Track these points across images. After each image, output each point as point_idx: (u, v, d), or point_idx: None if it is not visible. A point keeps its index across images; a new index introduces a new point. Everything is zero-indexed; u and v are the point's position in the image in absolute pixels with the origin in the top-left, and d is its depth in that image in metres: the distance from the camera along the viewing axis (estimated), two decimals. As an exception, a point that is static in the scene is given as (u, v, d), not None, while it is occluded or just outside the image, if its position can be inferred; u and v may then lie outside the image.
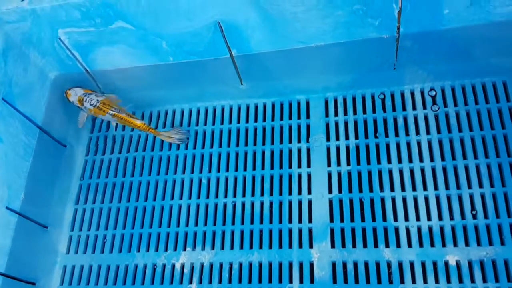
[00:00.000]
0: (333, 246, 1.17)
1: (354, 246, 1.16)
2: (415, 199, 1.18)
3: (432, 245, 1.12)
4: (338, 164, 1.25)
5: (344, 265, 1.15)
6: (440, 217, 1.14)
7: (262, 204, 1.25)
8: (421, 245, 1.13)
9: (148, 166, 1.37)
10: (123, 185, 1.36)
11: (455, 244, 1.11)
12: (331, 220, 1.20)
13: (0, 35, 1.15)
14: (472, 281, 1.08)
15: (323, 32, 1.12)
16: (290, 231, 1.21)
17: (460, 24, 1.08)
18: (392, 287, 1.10)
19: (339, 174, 1.24)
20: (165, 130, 1.34)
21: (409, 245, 1.13)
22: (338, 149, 1.27)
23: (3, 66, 1.14)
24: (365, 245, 1.15)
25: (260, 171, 1.29)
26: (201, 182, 1.32)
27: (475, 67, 1.22)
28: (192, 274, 1.22)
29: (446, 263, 1.10)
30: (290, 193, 1.25)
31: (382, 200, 1.19)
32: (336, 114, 1.32)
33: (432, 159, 1.20)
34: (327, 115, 1.32)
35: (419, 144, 1.23)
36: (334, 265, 1.15)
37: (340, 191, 1.22)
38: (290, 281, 1.16)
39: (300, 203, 1.23)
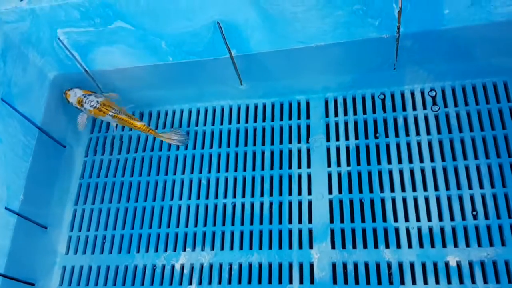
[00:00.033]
0: (333, 246, 1.17)
1: (354, 246, 1.15)
2: (415, 200, 1.17)
3: (433, 245, 1.12)
4: (338, 164, 1.25)
5: (344, 266, 1.14)
6: (441, 218, 1.14)
7: (262, 204, 1.25)
8: (421, 245, 1.12)
9: (147, 167, 1.36)
10: (122, 186, 1.35)
11: (455, 245, 1.11)
12: (331, 220, 1.19)
13: (-1, 35, 1.15)
14: (473, 282, 1.07)
15: (323, 32, 1.12)
16: (290, 231, 1.20)
17: (461, 24, 1.08)
18: (392, 288, 1.10)
19: (339, 175, 1.24)
20: (165, 132, 1.33)
21: (410, 245, 1.13)
22: (338, 149, 1.27)
23: (2, 66, 1.14)
24: (365, 246, 1.15)
25: (260, 172, 1.29)
26: (200, 183, 1.31)
27: (475, 67, 1.22)
28: (191, 275, 1.22)
29: (447, 264, 1.10)
30: (290, 193, 1.25)
31: (382, 201, 1.18)
32: (336, 115, 1.31)
33: (432, 160, 1.20)
34: (327, 115, 1.32)
35: (419, 144, 1.23)
36: (334, 265, 1.15)
37: (340, 191, 1.22)
38: (290, 282, 1.16)
39: (300, 203, 1.23)
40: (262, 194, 1.26)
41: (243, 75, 1.30)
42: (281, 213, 1.23)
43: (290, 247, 1.19)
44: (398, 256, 1.12)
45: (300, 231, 1.20)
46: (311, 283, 1.14)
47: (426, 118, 1.25)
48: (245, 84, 1.33)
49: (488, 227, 1.11)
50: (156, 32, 1.15)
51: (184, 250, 1.24)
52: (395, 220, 1.16)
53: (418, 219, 1.15)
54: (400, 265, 1.12)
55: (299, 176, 1.26)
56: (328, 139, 1.29)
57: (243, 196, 1.27)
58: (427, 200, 1.16)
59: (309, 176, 1.25)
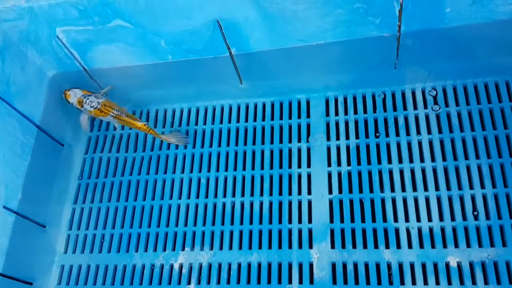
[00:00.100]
0: (333, 246, 1.16)
1: (354, 246, 1.15)
2: (416, 200, 1.16)
3: (433, 246, 1.11)
4: (339, 164, 1.24)
5: (344, 266, 1.14)
6: (441, 218, 1.13)
7: (261, 204, 1.24)
8: (421, 246, 1.12)
9: (146, 165, 1.36)
10: (121, 185, 1.35)
11: (456, 245, 1.10)
12: (331, 220, 1.19)
13: (-2, 33, 1.15)
14: (474, 282, 1.07)
15: (323, 31, 1.11)
16: (290, 231, 1.20)
17: (462, 22, 1.07)
18: (392, 288, 1.10)
19: (339, 174, 1.23)
20: (166, 133, 1.33)
21: (410, 246, 1.12)
22: (338, 148, 1.26)
23: (1, 65, 1.14)
24: (365, 246, 1.14)
25: (259, 171, 1.28)
26: (200, 182, 1.31)
27: (477, 66, 1.21)
28: (190, 275, 1.21)
29: (447, 265, 1.09)
30: (290, 193, 1.24)
31: (383, 201, 1.18)
32: (336, 114, 1.31)
33: (433, 159, 1.19)
34: (327, 114, 1.31)
35: (420, 144, 1.22)
36: (334, 265, 1.14)
37: (340, 191, 1.21)
38: (290, 282, 1.15)
39: (300, 203, 1.22)
40: (261, 194, 1.26)
41: (243, 74, 1.29)
42: (281, 213, 1.22)
43: (290, 247, 1.18)
44: (398, 256, 1.12)
45: (299, 231, 1.20)
46: (310, 283, 1.14)
47: (427, 117, 1.24)
48: (245, 83, 1.32)
49: (489, 227, 1.10)
50: (155, 31, 1.14)
51: (183, 249, 1.24)
52: (395, 220, 1.15)
53: (418, 219, 1.14)
54: (400, 266, 1.11)
55: (299, 176, 1.26)
56: (328, 139, 1.28)
57: (243, 195, 1.27)
58: (427, 200, 1.16)
59: (309, 176, 1.25)
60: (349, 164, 1.24)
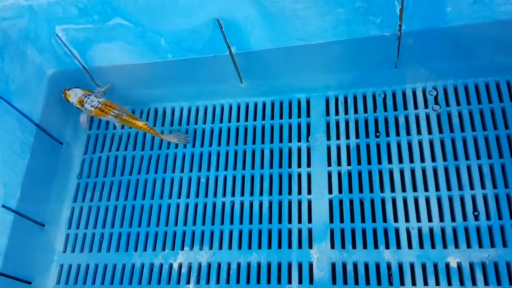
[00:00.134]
0: (332, 246, 1.16)
1: (354, 247, 1.14)
2: (416, 200, 1.16)
3: (433, 246, 1.11)
4: (339, 163, 1.24)
5: (344, 266, 1.14)
6: (441, 218, 1.13)
7: (261, 203, 1.24)
8: (421, 246, 1.11)
9: (146, 164, 1.35)
10: (120, 184, 1.35)
11: (456, 246, 1.10)
12: (331, 220, 1.18)
13: (-3, 31, 1.14)
14: (474, 283, 1.06)
15: (323, 30, 1.11)
16: (290, 231, 1.20)
17: (463, 22, 1.06)
18: (392, 289, 1.09)
19: (339, 174, 1.23)
20: (165, 132, 1.33)
21: (410, 246, 1.12)
22: (338, 148, 1.26)
23: (0, 63, 1.13)
24: (365, 246, 1.14)
25: (259, 170, 1.28)
26: (199, 181, 1.31)
27: (478, 66, 1.20)
28: (189, 274, 1.21)
29: (447, 265, 1.09)
30: (289, 193, 1.24)
31: (383, 201, 1.17)
32: (336, 113, 1.30)
33: (433, 159, 1.19)
34: (327, 114, 1.31)
35: (420, 144, 1.21)
36: (333, 266, 1.14)
37: (340, 191, 1.21)
38: (289, 282, 1.15)
39: (299, 203, 1.22)
40: (261, 193, 1.25)
41: (243, 73, 1.29)
42: (281, 213, 1.22)
43: (290, 246, 1.18)
44: (398, 256, 1.11)
45: (299, 231, 1.19)
46: (310, 283, 1.14)
47: (427, 117, 1.24)
48: (245, 82, 1.32)
49: (490, 228, 1.10)
50: (155, 29, 1.14)
51: (182, 249, 1.24)
52: (395, 220, 1.15)
53: (418, 220, 1.14)
54: (400, 266, 1.11)
55: (299, 175, 1.25)
56: (328, 138, 1.27)
57: (242, 195, 1.26)
58: (427, 200, 1.15)
59: (309, 175, 1.24)
60: (349, 164, 1.23)
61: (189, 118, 1.39)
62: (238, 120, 1.36)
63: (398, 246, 1.12)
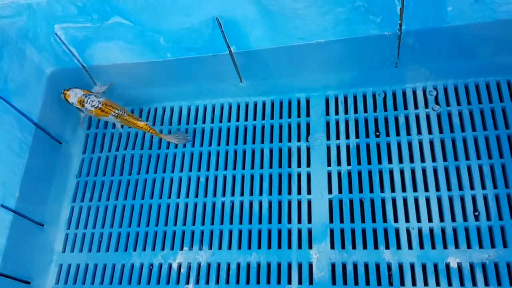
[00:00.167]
0: (332, 247, 1.15)
1: (353, 247, 1.14)
2: (416, 200, 1.16)
3: (433, 247, 1.10)
4: (338, 163, 1.23)
5: (344, 266, 1.13)
6: (442, 219, 1.13)
7: (260, 203, 1.24)
8: (422, 246, 1.11)
9: (145, 164, 1.35)
10: (120, 183, 1.34)
11: (456, 246, 1.10)
12: (331, 220, 1.18)
13: (-4, 30, 1.14)
14: (474, 284, 1.06)
15: (323, 29, 1.10)
16: (289, 231, 1.19)
17: (464, 21, 1.06)
18: (392, 289, 1.09)
19: (339, 174, 1.22)
20: (164, 132, 1.32)
21: (410, 246, 1.11)
22: (338, 148, 1.25)
23: (-1, 62, 1.13)
24: (365, 246, 1.14)
25: (259, 170, 1.27)
26: (199, 181, 1.30)
27: (478, 66, 1.20)
28: (189, 274, 1.20)
29: (447, 266, 1.08)
30: (289, 192, 1.23)
31: (383, 201, 1.17)
32: (336, 113, 1.30)
33: (434, 159, 1.19)
34: (327, 113, 1.30)
35: (420, 144, 1.21)
36: (333, 266, 1.14)
37: (340, 191, 1.20)
38: (289, 282, 1.14)
39: (299, 203, 1.22)
40: (261, 193, 1.25)
41: (243, 72, 1.28)
42: (280, 213, 1.22)
43: (289, 247, 1.18)
44: (398, 257, 1.11)
45: (299, 231, 1.19)
46: (310, 284, 1.13)
47: (427, 117, 1.24)
48: (245, 81, 1.32)
49: (490, 228, 1.10)
50: (154, 28, 1.14)
51: (182, 249, 1.23)
52: (396, 220, 1.14)
53: (418, 220, 1.13)
54: (400, 266, 1.10)
55: (299, 175, 1.25)
56: (328, 138, 1.27)
57: (242, 194, 1.26)
58: (428, 200, 1.15)
59: (308, 175, 1.24)
60: (349, 163, 1.23)
61: (189, 117, 1.39)
62: (237, 120, 1.36)
63: (398, 247, 1.12)
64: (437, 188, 1.16)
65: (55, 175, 1.33)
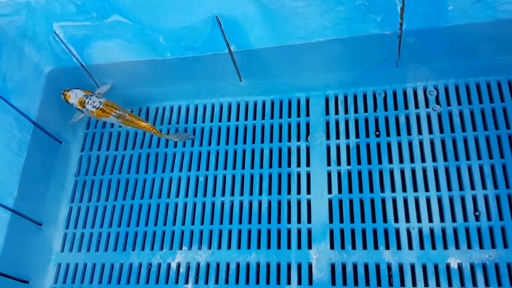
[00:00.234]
0: (332, 247, 1.15)
1: (353, 247, 1.13)
2: (417, 200, 1.15)
3: (434, 247, 1.10)
4: (338, 163, 1.23)
5: (343, 267, 1.13)
6: (442, 219, 1.12)
7: (260, 203, 1.23)
8: (422, 247, 1.10)
9: (144, 163, 1.34)
10: (119, 183, 1.34)
11: (457, 247, 1.09)
12: (331, 220, 1.17)
13: (-6, 28, 1.13)
14: (474, 284, 1.05)
15: (323, 28, 1.10)
16: (289, 231, 1.19)
17: (465, 21, 1.05)
18: (392, 289, 1.08)
19: (339, 174, 1.22)
20: (163, 131, 1.32)
21: (410, 247, 1.11)
22: (338, 148, 1.25)
23: (-3, 60, 1.13)
24: (364, 247, 1.13)
25: (258, 170, 1.27)
26: (198, 180, 1.30)
27: (479, 65, 1.19)
28: (188, 274, 1.20)
29: (448, 266, 1.08)
30: (289, 192, 1.23)
31: (383, 201, 1.16)
32: (336, 112, 1.29)
33: (434, 159, 1.18)
34: (327, 113, 1.30)
35: (421, 143, 1.21)
36: (333, 266, 1.13)
37: (340, 191, 1.20)
38: (288, 282, 1.14)
39: (299, 203, 1.21)
40: (260, 193, 1.24)
41: (243, 72, 1.28)
42: (280, 212, 1.21)
43: (289, 247, 1.17)
44: (398, 257, 1.10)
45: (299, 231, 1.18)
46: (309, 284, 1.13)
47: (428, 116, 1.23)
48: (244, 80, 1.31)
49: (491, 228, 1.09)
50: (154, 27, 1.13)
51: (181, 248, 1.23)
52: (396, 220, 1.14)
53: (419, 220, 1.13)
54: (400, 267, 1.10)
55: (298, 175, 1.24)
56: (328, 138, 1.27)
57: (241, 194, 1.25)
58: (428, 200, 1.14)
59: (308, 175, 1.24)
60: (349, 163, 1.22)
61: (188, 116, 1.38)
62: (237, 119, 1.35)
63: (399, 247, 1.11)
64: (438, 188, 1.15)
65: (53, 174, 1.33)
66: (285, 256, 1.16)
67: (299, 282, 1.13)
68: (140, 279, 1.22)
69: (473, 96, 1.22)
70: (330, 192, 1.20)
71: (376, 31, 1.10)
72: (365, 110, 1.27)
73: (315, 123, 1.29)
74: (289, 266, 1.15)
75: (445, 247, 1.09)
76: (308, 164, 1.25)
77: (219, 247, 1.21)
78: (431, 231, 1.11)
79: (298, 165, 1.26)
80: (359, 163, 1.22)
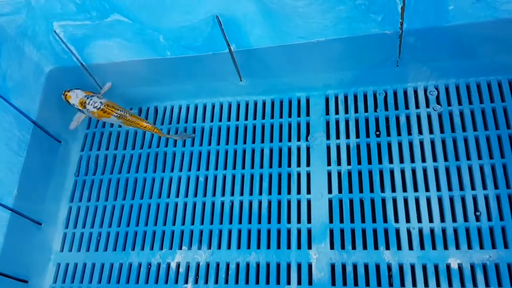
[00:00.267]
0: (332, 247, 1.15)
1: (353, 247, 1.13)
2: (417, 200, 1.15)
3: (434, 247, 1.09)
4: (338, 163, 1.22)
5: (343, 267, 1.12)
6: (442, 219, 1.12)
7: (260, 203, 1.23)
8: (422, 247, 1.10)
9: (144, 163, 1.34)
10: (118, 182, 1.33)
11: (457, 247, 1.09)
12: (331, 220, 1.17)
13: (-6, 27, 1.13)
14: (475, 285, 1.05)
15: (324, 28, 1.09)
16: (289, 231, 1.18)
17: (465, 20, 1.05)
18: (392, 290, 1.08)
19: (339, 174, 1.21)
20: (164, 131, 1.32)
21: (410, 247, 1.11)
22: (338, 148, 1.25)
23: (-3, 59, 1.13)
24: (365, 247, 1.13)
25: (258, 170, 1.27)
26: (198, 180, 1.29)
27: (480, 65, 1.19)
28: (187, 274, 1.20)
29: (448, 266, 1.08)
30: (289, 192, 1.23)
31: (383, 201, 1.16)
32: (336, 112, 1.29)
33: (434, 159, 1.18)
34: (327, 113, 1.29)
35: (421, 143, 1.20)
36: (333, 266, 1.13)
37: (340, 191, 1.19)
38: (288, 283, 1.13)
39: (299, 202, 1.21)
40: (260, 193, 1.24)
41: (243, 71, 1.27)
42: (280, 212, 1.21)
43: (289, 247, 1.17)
44: (398, 257, 1.10)
45: (298, 231, 1.18)
46: (309, 284, 1.12)
47: (429, 116, 1.23)
48: (244, 80, 1.31)
49: (491, 229, 1.09)
50: (154, 26, 1.13)
51: (180, 248, 1.22)
52: (396, 220, 1.14)
53: (419, 220, 1.13)
54: (401, 267, 1.10)
55: (298, 175, 1.24)
56: (328, 137, 1.26)
57: (241, 194, 1.25)
58: (428, 200, 1.14)
59: (308, 175, 1.23)
60: (349, 163, 1.22)
61: (188, 116, 1.38)
62: (237, 119, 1.35)
63: (399, 247, 1.11)
64: (438, 188, 1.15)
65: (53, 173, 1.33)
66: (285, 256, 1.16)
67: (299, 282, 1.13)
68: (139, 279, 1.21)
69: (473, 96, 1.22)
70: (330, 192, 1.20)
71: (377, 30, 1.09)
72: (366, 110, 1.27)
73: (315, 123, 1.29)
74: (288, 266, 1.15)
75: (446, 247, 1.09)
76: (308, 164, 1.25)
77: (219, 247, 1.21)
78: (432, 231, 1.11)
79: (298, 165, 1.25)
80: (359, 163, 1.21)
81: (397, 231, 1.13)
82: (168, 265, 1.21)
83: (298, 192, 1.22)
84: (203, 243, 1.22)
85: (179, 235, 1.24)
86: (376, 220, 1.14)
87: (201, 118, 1.37)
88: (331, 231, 1.16)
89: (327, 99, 1.31)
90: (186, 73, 1.28)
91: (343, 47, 1.15)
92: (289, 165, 1.26)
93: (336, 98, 1.31)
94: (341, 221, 1.16)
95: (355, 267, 1.12)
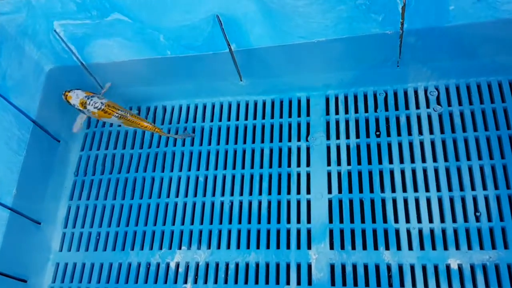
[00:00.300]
0: (331, 247, 1.14)
1: (353, 248, 1.13)
2: (417, 201, 1.15)
3: (434, 248, 1.09)
4: (338, 163, 1.22)
5: (343, 267, 1.12)
6: (442, 219, 1.12)
7: (260, 203, 1.23)
8: (422, 247, 1.10)
9: (144, 163, 1.34)
10: (118, 182, 1.33)
11: (457, 248, 1.09)
12: (330, 220, 1.17)
13: (-5, 26, 1.13)
14: (474, 285, 1.05)
15: (324, 27, 1.09)
16: (288, 231, 1.18)
17: (466, 21, 1.05)
18: (391, 290, 1.08)
19: (339, 174, 1.21)
20: (164, 131, 1.32)
21: (410, 247, 1.10)
22: (338, 148, 1.25)
23: (-3, 58, 1.13)
24: (364, 247, 1.13)
25: (258, 170, 1.26)
26: (198, 180, 1.29)
27: (480, 66, 1.19)
28: (187, 274, 1.19)
29: (448, 267, 1.07)
30: (288, 192, 1.22)
31: (383, 201, 1.16)
32: (337, 112, 1.29)
33: (435, 160, 1.18)
34: (327, 113, 1.29)
35: (421, 144, 1.20)
36: (332, 267, 1.13)
37: (340, 191, 1.19)
38: (288, 283, 1.13)
39: (299, 203, 1.21)
40: (260, 193, 1.24)
41: (243, 71, 1.27)
42: (280, 212, 1.21)
43: (288, 247, 1.17)
44: (398, 258, 1.10)
45: (298, 231, 1.18)
46: (308, 284, 1.12)
47: (429, 117, 1.23)
48: (245, 80, 1.31)
49: (491, 229, 1.09)
50: (154, 25, 1.13)
51: (180, 248, 1.22)
52: (396, 221, 1.13)
53: (419, 221, 1.12)
54: (400, 268, 1.09)
55: (298, 175, 1.24)
56: (328, 137, 1.26)
57: (241, 194, 1.25)
58: (428, 201, 1.14)
59: (308, 175, 1.23)
60: (349, 163, 1.22)
61: (188, 115, 1.38)
62: (237, 119, 1.35)
63: (398, 247, 1.11)
64: (438, 189, 1.15)
65: (52, 173, 1.32)
66: (285, 256, 1.16)
67: (298, 283, 1.13)
68: (139, 279, 1.21)
69: (474, 96, 1.22)
70: (330, 192, 1.20)
71: (377, 30, 1.09)
72: (366, 110, 1.27)
73: (315, 123, 1.29)
74: (288, 266, 1.15)
75: (445, 248, 1.09)
76: (308, 164, 1.24)
77: (219, 247, 1.20)
78: (431, 231, 1.11)
79: (298, 165, 1.25)
80: (359, 163, 1.21)
81: (397, 232, 1.13)
82: (168, 265, 1.21)
83: (298, 192, 1.22)
84: (202, 243, 1.22)
85: (178, 235, 1.24)
86: (376, 220, 1.14)
87: (201, 117, 1.37)
88: (331, 231, 1.16)
89: (327, 99, 1.31)
90: (186, 72, 1.28)
91: (344, 47, 1.15)
92: (289, 165, 1.25)
93: (336, 98, 1.31)
94: (341, 221, 1.16)
95: (354, 267, 1.11)
